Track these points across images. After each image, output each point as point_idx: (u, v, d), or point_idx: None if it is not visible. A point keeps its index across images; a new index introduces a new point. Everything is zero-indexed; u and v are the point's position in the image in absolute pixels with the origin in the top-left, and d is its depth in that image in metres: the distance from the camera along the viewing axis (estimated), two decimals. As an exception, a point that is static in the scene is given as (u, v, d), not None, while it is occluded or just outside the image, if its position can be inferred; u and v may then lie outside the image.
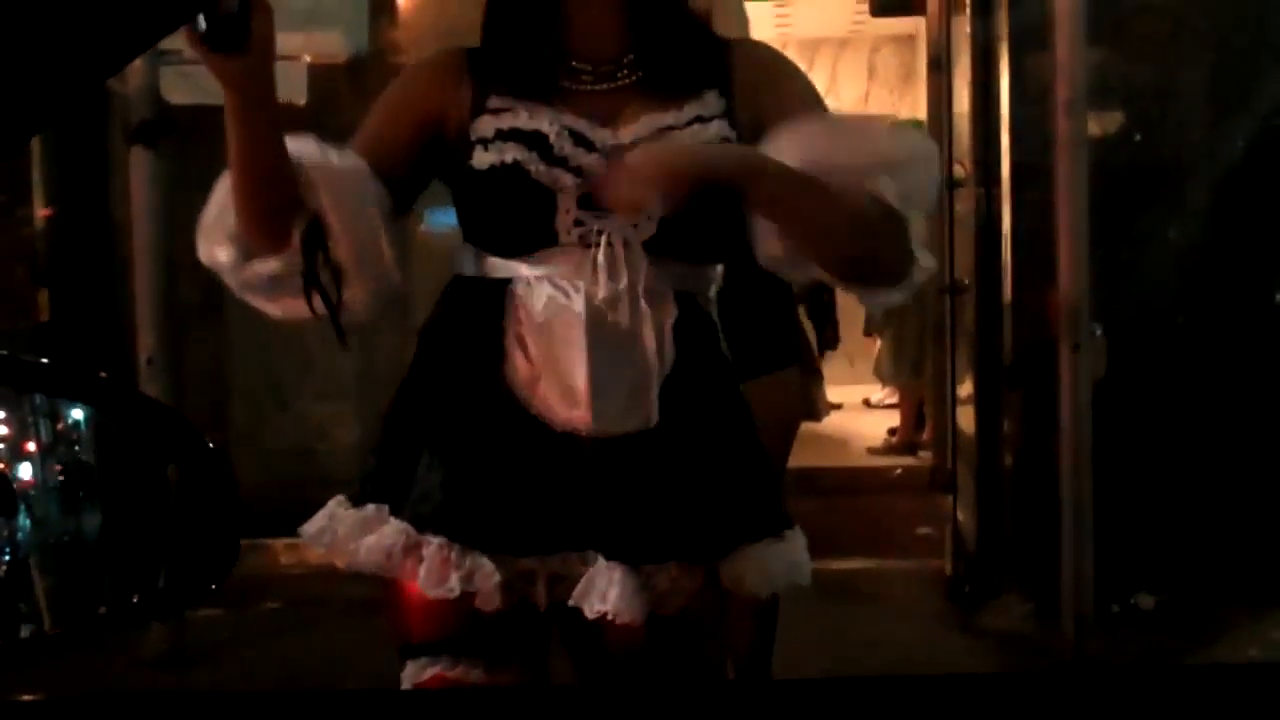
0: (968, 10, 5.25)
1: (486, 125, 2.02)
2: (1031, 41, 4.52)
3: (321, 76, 5.27)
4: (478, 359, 1.99)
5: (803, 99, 2.08)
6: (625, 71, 2.04)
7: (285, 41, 5.44)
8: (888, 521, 6.28)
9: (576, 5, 2.04)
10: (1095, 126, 4.44)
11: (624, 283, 1.95)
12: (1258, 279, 4.63)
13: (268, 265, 1.95)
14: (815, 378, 3.95)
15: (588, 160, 1.97)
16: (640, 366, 1.96)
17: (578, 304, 1.96)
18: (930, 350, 6.89)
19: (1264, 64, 4.55)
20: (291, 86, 5.02)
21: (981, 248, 5.09)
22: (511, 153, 1.98)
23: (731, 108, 2.04)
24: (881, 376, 8.78)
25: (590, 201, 1.95)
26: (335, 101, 5.17)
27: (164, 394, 4.14)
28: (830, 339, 8.93)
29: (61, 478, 1.04)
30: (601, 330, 1.95)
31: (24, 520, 1.00)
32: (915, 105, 9.40)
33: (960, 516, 5.28)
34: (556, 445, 1.95)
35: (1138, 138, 4.69)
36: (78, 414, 1.04)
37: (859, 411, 9.63)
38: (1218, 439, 4.55)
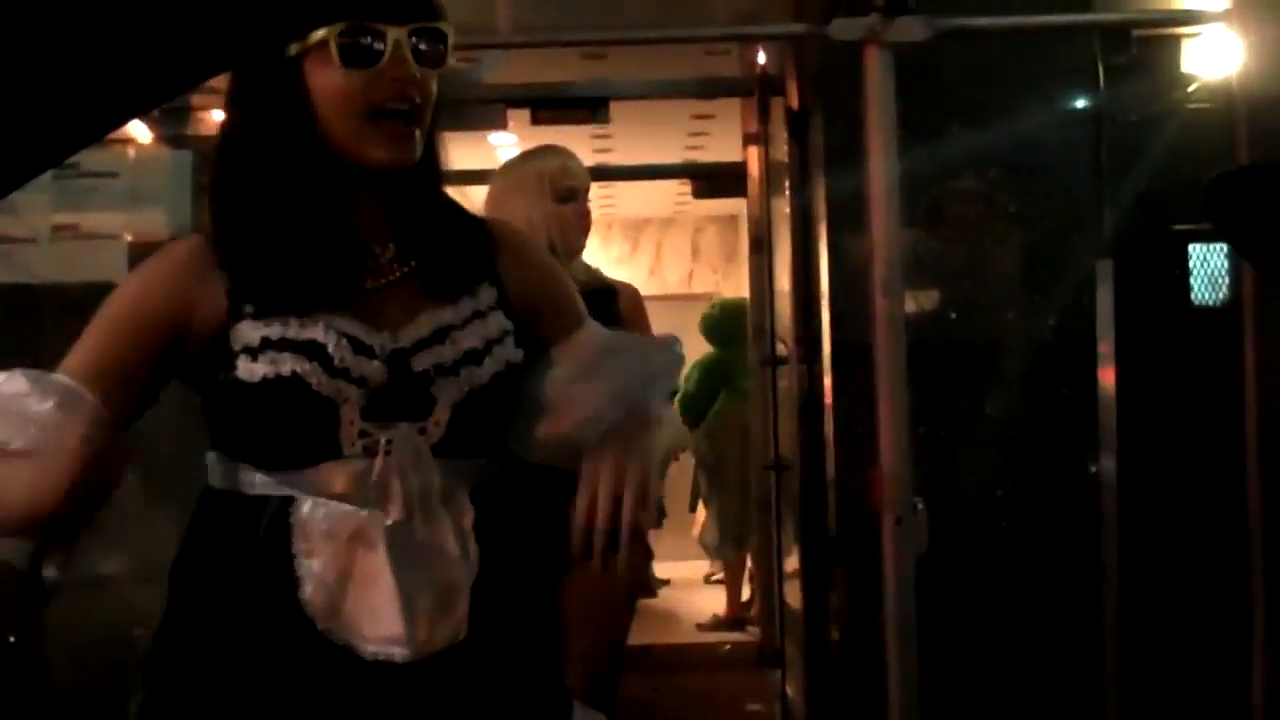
0: (787, 192, 5.37)
1: (250, 332, 1.91)
2: (849, 222, 4.62)
3: (141, 255, 5.21)
4: (262, 591, 1.87)
5: (570, 302, 2.15)
6: (394, 265, 2.00)
7: (107, 220, 5.41)
8: (717, 698, 6.26)
9: (331, 196, 1.97)
10: (912, 304, 4.54)
11: (416, 492, 1.88)
12: (1071, 451, 4.73)
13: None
14: (648, 556, 3.96)
15: (369, 369, 1.89)
16: (446, 577, 1.89)
17: (375, 520, 1.87)
18: (754, 524, 6.93)
19: (1072, 241, 4.70)
20: (111, 265, 4.98)
21: (804, 424, 5.15)
22: (289, 364, 1.87)
23: (504, 298, 2.04)
24: (705, 548, 8.80)
25: (374, 412, 1.89)
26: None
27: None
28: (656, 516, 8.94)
29: None
30: (402, 545, 1.87)
31: None
32: (739, 284, 9.55)
33: (789, 691, 5.28)
34: (367, 675, 1.85)
35: (953, 315, 4.80)
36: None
37: (687, 588, 9.64)
38: (1039, 609, 4.61)
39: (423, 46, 1.95)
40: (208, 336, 1.92)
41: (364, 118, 1.93)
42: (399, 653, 1.85)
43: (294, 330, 1.90)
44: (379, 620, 1.85)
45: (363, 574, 1.86)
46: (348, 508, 1.87)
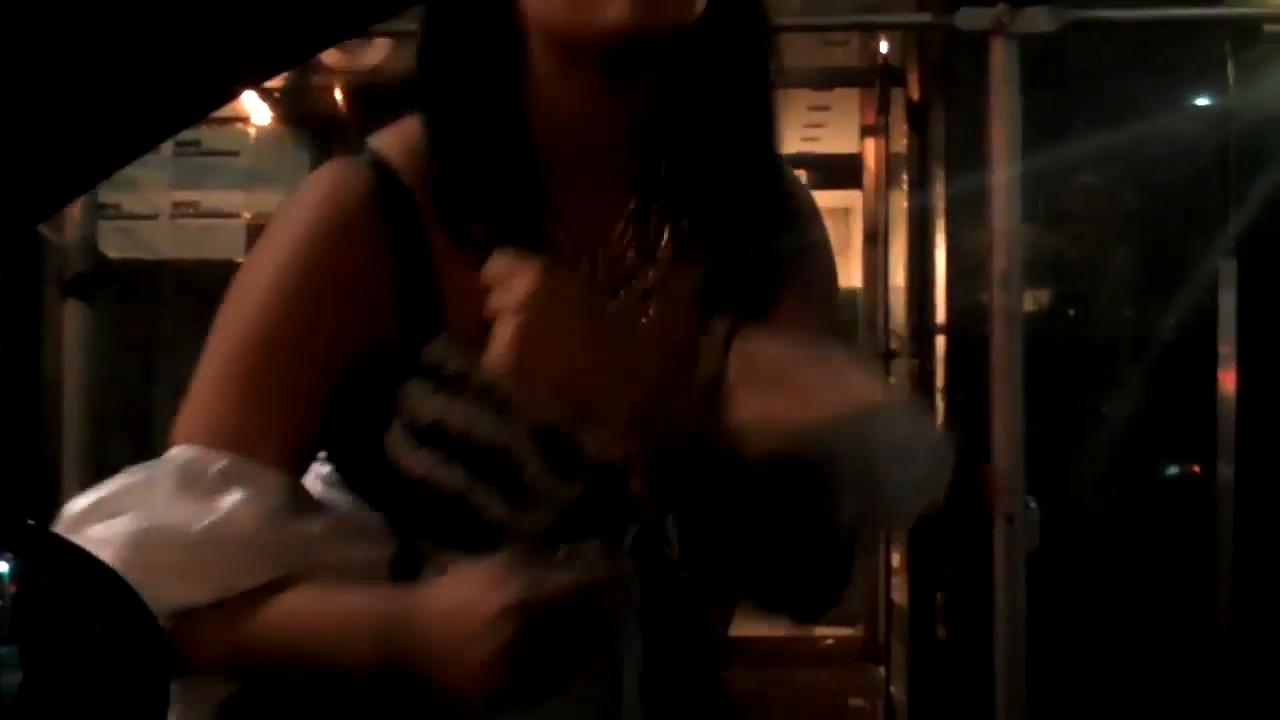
0: (905, 185, 5.32)
1: (420, 399, 1.29)
2: (967, 216, 4.56)
3: (259, 234, 5.26)
4: None
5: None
6: (644, 243, 1.35)
7: (226, 198, 5.46)
8: (820, 692, 6.21)
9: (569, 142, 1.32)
10: (1029, 302, 4.48)
11: None
12: (1188, 455, 4.65)
13: None
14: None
15: (564, 492, 1.31)
16: None
17: None
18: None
19: (1195, 243, 4.62)
20: (230, 243, 5.03)
21: (916, 419, 5.10)
22: (460, 479, 1.30)
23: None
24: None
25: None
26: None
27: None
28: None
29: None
30: None
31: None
32: (850, 276, 9.49)
33: (893, 689, 5.23)
34: None
35: (1071, 313, 4.73)
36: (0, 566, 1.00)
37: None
38: (1150, 613, 4.54)
39: None
40: (386, 348, 1.31)
41: None
42: None
43: (481, 424, 1.28)
44: None
45: None
46: None
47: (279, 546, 1.24)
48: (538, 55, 1.28)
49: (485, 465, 1.29)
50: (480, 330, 1.24)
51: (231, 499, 1.22)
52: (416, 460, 1.29)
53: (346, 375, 1.29)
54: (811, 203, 1.50)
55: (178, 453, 1.26)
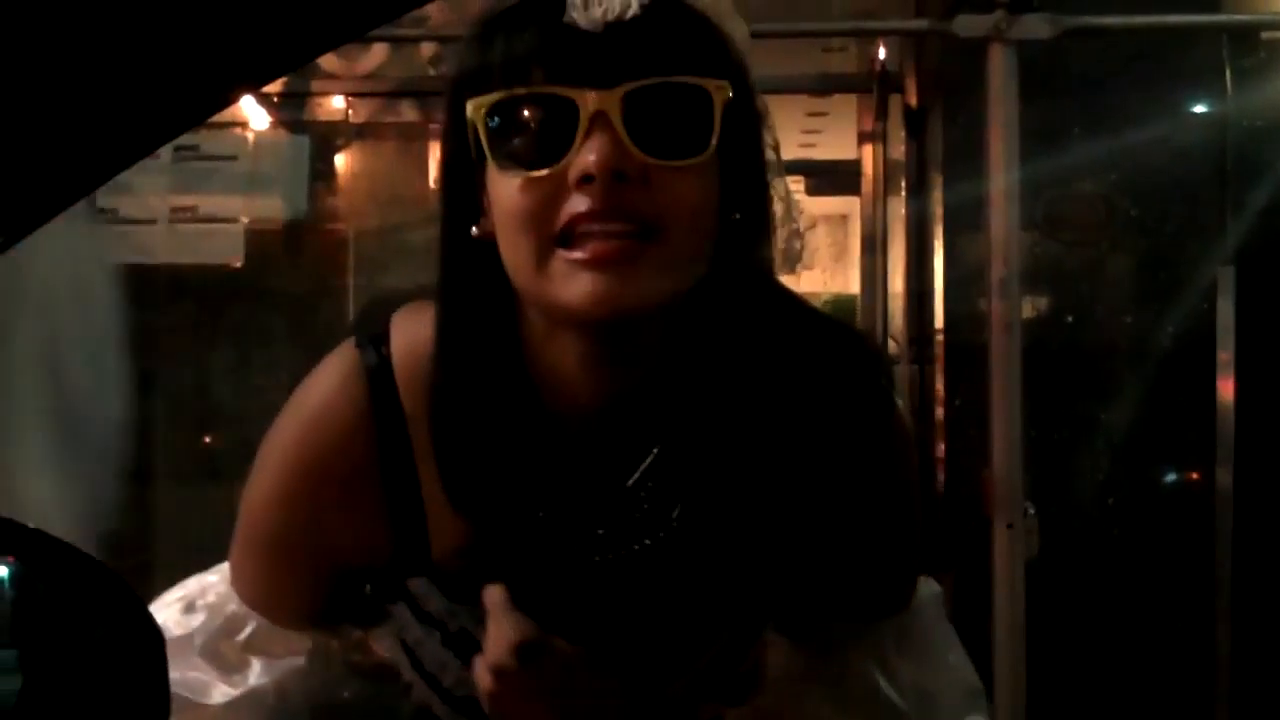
0: (903, 191, 5.31)
1: (404, 622, 1.38)
2: (966, 222, 4.56)
3: (258, 239, 5.26)
4: None
5: None
6: (648, 514, 1.28)
7: (225, 203, 5.44)
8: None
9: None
10: (1028, 308, 4.48)
11: None
12: (1187, 461, 4.65)
13: None
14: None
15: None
16: None
17: None
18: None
19: (1194, 248, 4.62)
20: (229, 248, 5.02)
21: (915, 425, 5.10)
22: (435, 704, 1.39)
23: None
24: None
25: None
26: (271, 265, 5.15)
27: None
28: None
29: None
30: None
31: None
32: (845, 284, 9.49)
33: (891, 696, 5.22)
34: None
35: (1070, 319, 4.73)
36: (-1, 570, 1.00)
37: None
38: (1149, 620, 4.54)
39: (648, 118, 1.16)
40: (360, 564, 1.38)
41: (544, 246, 1.17)
42: None
43: (452, 669, 1.35)
44: None
45: None
46: None
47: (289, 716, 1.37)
48: (532, 320, 1.25)
49: (457, 702, 1.37)
50: (462, 566, 1.28)
51: (252, 673, 1.38)
52: (404, 668, 1.40)
53: (348, 570, 1.38)
54: (888, 442, 1.44)
55: (218, 602, 1.42)
